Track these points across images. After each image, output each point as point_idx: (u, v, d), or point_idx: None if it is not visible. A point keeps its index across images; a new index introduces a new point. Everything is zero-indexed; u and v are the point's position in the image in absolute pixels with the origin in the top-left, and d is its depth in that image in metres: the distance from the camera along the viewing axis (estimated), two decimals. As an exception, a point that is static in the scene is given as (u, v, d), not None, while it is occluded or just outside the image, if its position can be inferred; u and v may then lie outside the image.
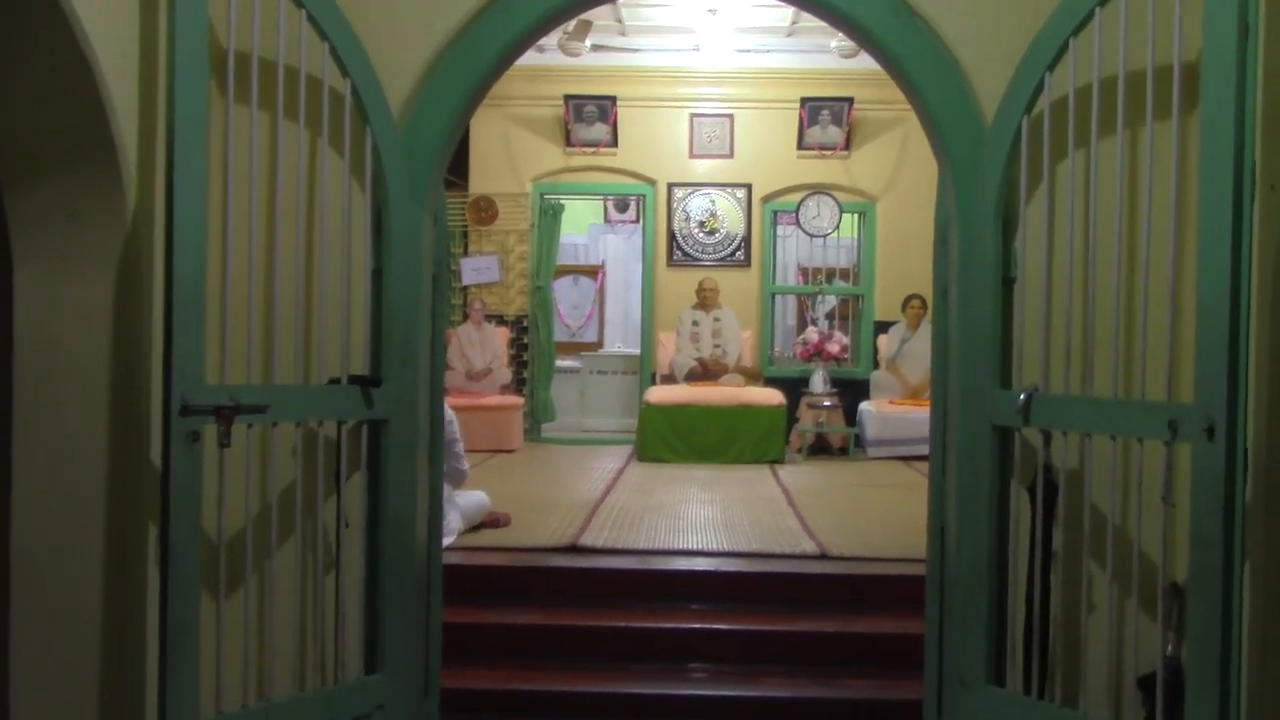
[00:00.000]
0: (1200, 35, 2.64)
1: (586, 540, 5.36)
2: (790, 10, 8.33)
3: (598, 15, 8.40)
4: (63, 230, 2.81)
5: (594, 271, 12.49)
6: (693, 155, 10.01)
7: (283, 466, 3.06)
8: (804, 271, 10.90)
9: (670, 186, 10.04)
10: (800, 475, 7.99)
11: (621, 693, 4.31)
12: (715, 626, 4.68)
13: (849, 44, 8.10)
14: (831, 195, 9.71)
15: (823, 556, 5.17)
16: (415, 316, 3.30)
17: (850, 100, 9.61)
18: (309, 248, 3.15)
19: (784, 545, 5.36)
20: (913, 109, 3.51)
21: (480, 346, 9.45)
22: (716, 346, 9.52)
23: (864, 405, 9.26)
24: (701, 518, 6.16)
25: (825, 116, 9.71)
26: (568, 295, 12.18)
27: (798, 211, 9.73)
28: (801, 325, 10.71)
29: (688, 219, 10.07)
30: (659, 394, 8.91)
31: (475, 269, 9.74)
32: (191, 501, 2.71)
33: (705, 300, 9.60)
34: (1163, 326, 2.81)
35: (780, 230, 10.40)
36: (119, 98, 2.75)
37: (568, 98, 9.66)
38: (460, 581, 4.52)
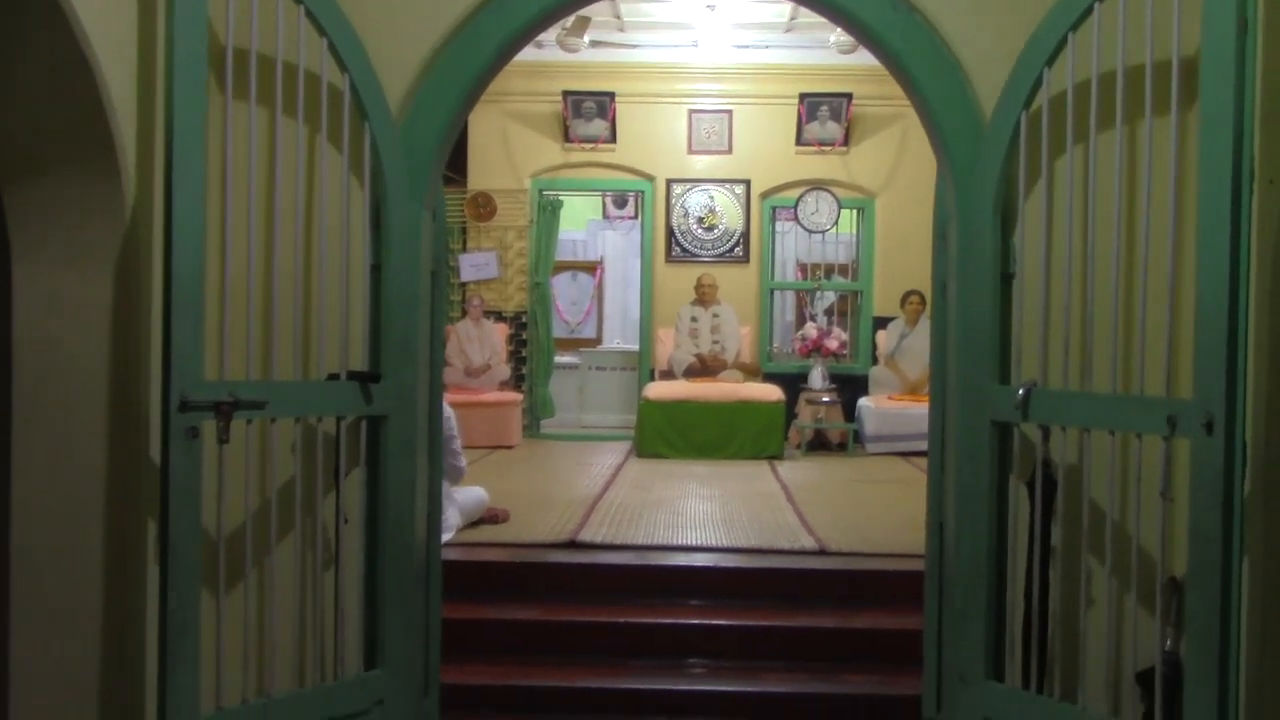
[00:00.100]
0: (1199, 30, 2.64)
1: (585, 536, 5.36)
2: (788, 6, 8.36)
3: (596, 11, 8.39)
4: (62, 228, 2.81)
5: (593, 267, 12.48)
6: (691, 151, 10.00)
7: (282, 462, 3.06)
8: (803, 267, 10.90)
9: (669, 182, 10.03)
10: (799, 471, 7.99)
11: (620, 688, 4.31)
12: (714, 622, 4.68)
13: (848, 39, 8.09)
14: (830, 191, 9.70)
15: (822, 552, 5.17)
16: (414, 312, 3.30)
17: (849, 96, 9.60)
18: (308, 244, 3.15)
19: (783, 541, 5.36)
20: (911, 105, 3.51)
21: (479, 343, 9.44)
22: (715, 342, 9.52)
23: (863, 401, 9.26)
24: (700, 513, 6.16)
25: (824, 112, 9.71)
26: (566, 291, 12.16)
27: (796, 207, 9.73)
28: (800, 321, 10.71)
29: (686, 215, 10.07)
30: (658, 390, 8.91)
31: (474, 265, 9.73)
32: (191, 498, 2.71)
33: (704, 296, 9.60)
34: (1161, 322, 2.82)
35: (779, 226, 10.39)
36: (118, 96, 2.75)
37: (566, 94, 9.66)
38: (459, 577, 4.52)
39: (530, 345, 9.95)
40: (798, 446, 9.02)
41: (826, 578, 4.94)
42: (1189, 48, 2.76)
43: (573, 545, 5.24)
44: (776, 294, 10.49)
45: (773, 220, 10.23)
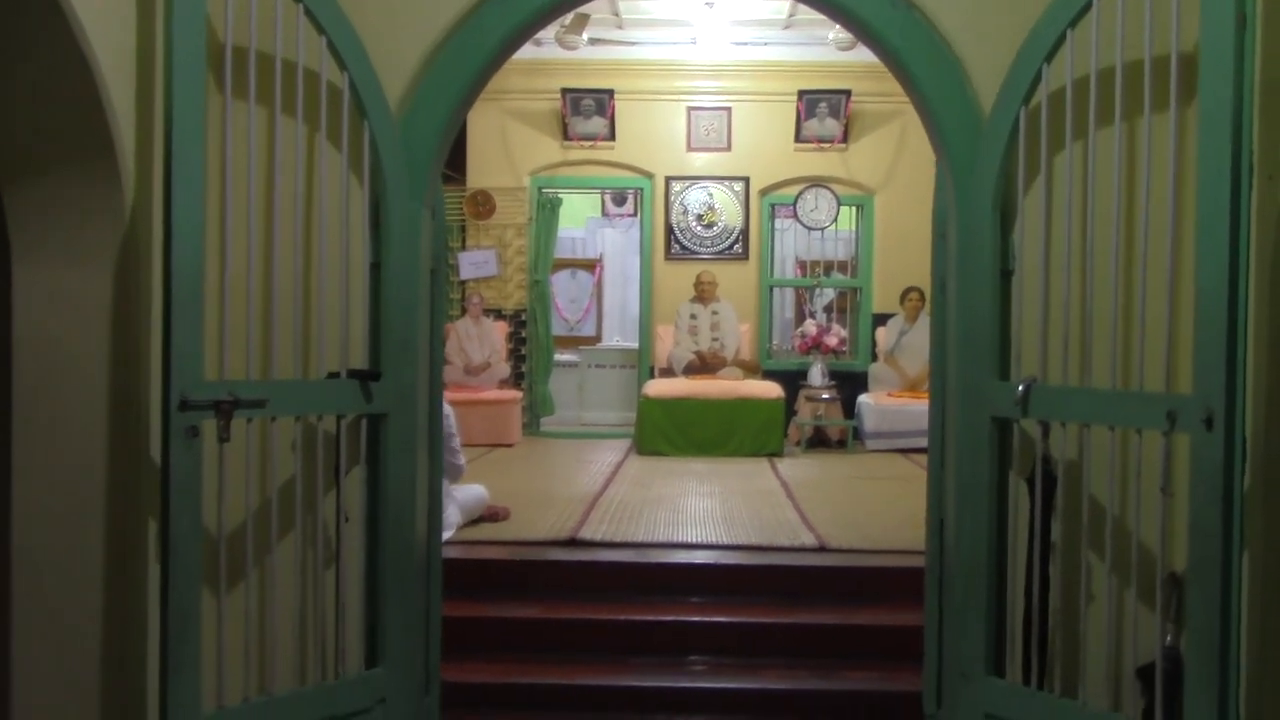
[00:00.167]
0: (1197, 26, 2.64)
1: (585, 534, 5.36)
2: (787, 3, 8.36)
3: (594, 9, 8.40)
4: (62, 227, 2.81)
5: (592, 265, 12.48)
6: (690, 148, 10.00)
7: (282, 461, 3.07)
8: (802, 264, 10.90)
9: (668, 180, 10.02)
10: (799, 468, 7.99)
11: (621, 685, 4.31)
12: (714, 619, 4.68)
13: (846, 36, 8.09)
14: (829, 188, 9.70)
15: (822, 549, 5.18)
16: (414, 310, 3.30)
17: (848, 93, 9.60)
18: (307, 242, 3.15)
19: (783, 538, 5.36)
20: (910, 101, 3.51)
21: (478, 341, 9.44)
22: (715, 340, 9.52)
23: (862, 398, 9.26)
24: (700, 511, 6.16)
25: (823, 109, 9.70)
26: (566, 289, 12.17)
27: (795, 204, 9.72)
28: (800, 318, 10.70)
29: (685, 212, 10.06)
30: (657, 387, 8.91)
31: (473, 263, 9.73)
32: (192, 496, 2.71)
33: (703, 293, 9.60)
34: (1161, 317, 2.82)
35: (778, 223, 10.39)
36: (117, 95, 2.75)
37: (565, 91, 9.65)
38: (459, 575, 4.52)
39: (530, 343, 9.95)
40: (797, 443, 9.03)
41: (827, 574, 4.95)
42: (1188, 43, 2.76)
43: (573, 543, 5.24)
44: (776, 291, 10.49)
45: (772, 217, 10.23)
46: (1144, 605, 2.99)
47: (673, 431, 8.64)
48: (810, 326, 9.45)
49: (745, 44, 9.49)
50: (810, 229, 9.86)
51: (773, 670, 4.41)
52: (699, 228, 10.07)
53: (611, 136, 9.81)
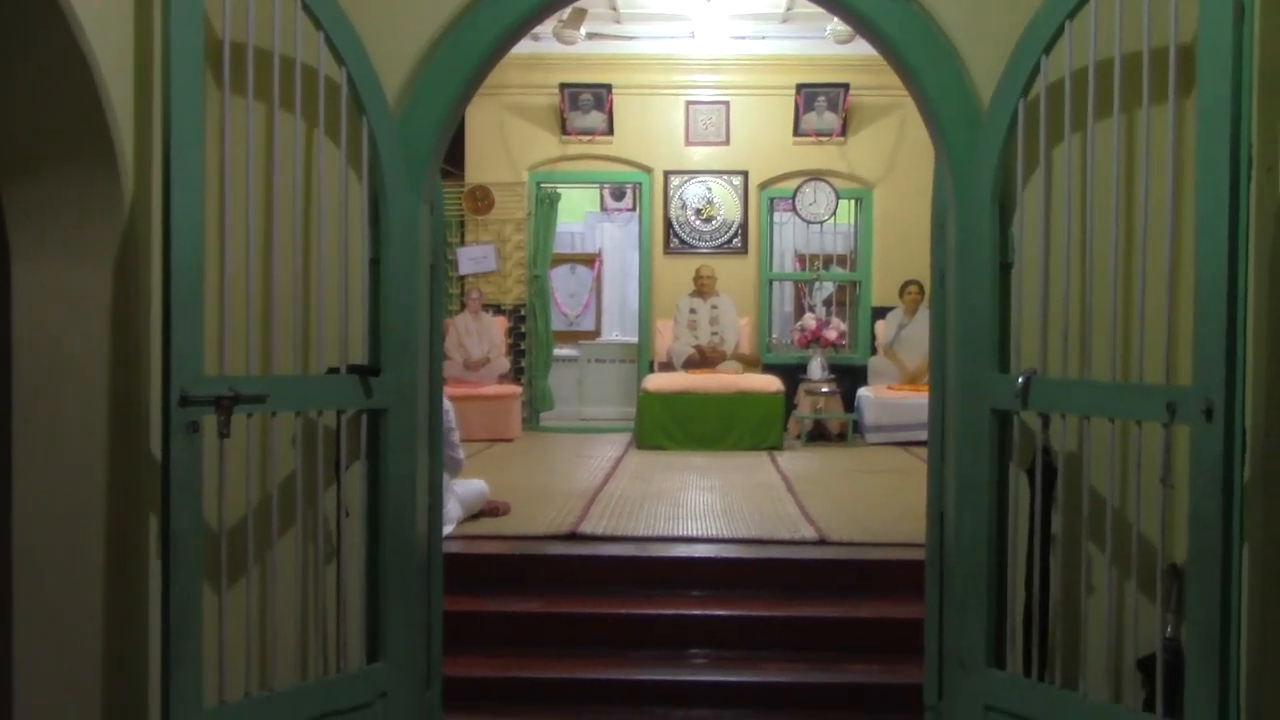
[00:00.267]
0: (1196, 17, 2.64)
1: (586, 528, 5.37)
2: (785, -4, 8.35)
3: (592, 3, 8.39)
4: (61, 225, 2.81)
5: (591, 260, 12.48)
6: (689, 143, 9.99)
7: (282, 456, 3.07)
8: (801, 258, 10.89)
9: (666, 174, 10.02)
10: (799, 462, 8.00)
11: (622, 679, 4.32)
12: (715, 613, 4.69)
13: (844, 29, 8.08)
14: (828, 182, 9.70)
15: (822, 542, 5.18)
16: (413, 306, 3.30)
17: (846, 86, 9.60)
18: (306, 238, 3.15)
19: (783, 531, 5.37)
20: (909, 94, 3.50)
21: (478, 336, 9.45)
22: (714, 334, 9.53)
23: (862, 391, 9.27)
24: (701, 505, 6.17)
25: (821, 103, 9.70)
26: (565, 284, 12.17)
27: (794, 198, 9.72)
28: (799, 312, 10.72)
29: (684, 206, 10.06)
30: (657, 382, 8.91)
31: (472, 258, 9.73)
32: (192, 492, 2.71)
33: (702, 288, 9.60)
34: (1160, 309, 2.82)
35: (777, 217, 10.39)
36: (115, 92, 2.74)
37: (563, 86, 9.64)
38: (460, 570, 4.53)
39: (529, 338, 9.96)
40: (797, 437, 9.03)
41: (827, 568, 4.95)
42: (1186, 35, 2.76)
43: (573, 537, 5.25)
44: (775, 285, 10.49)
45: (771, 211, 10.23)
46: (1144, 596, 3.00)
47: (672, 426, 8.64)
48: (809, 320, 9.45)
49: (743, 38, 9.48)
50: (809, 223, 9.86)
51: (773, 663, 4.42)
52: (698, 222, 10.06)
53: (610, 131, 9.80)
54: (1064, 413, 3.04)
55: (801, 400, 9.27)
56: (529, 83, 9.61)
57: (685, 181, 10.04)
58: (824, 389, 9.23)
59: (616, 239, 12.53)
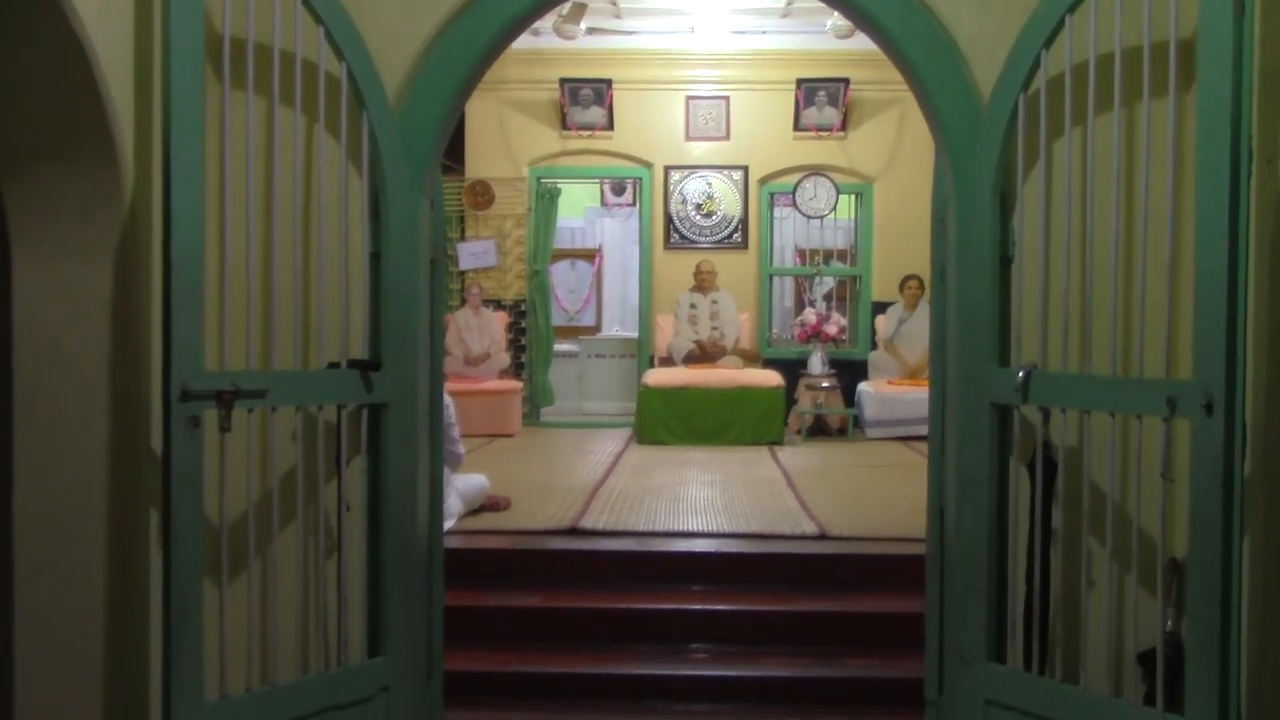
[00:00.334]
0: (1196, 12, 2.63)
1: (586, 523, 5.37)
2: (785, -9, 8.34)
3: (592, -2, 8.39)
4: (61, 221, 2.81)
5: (591, 255, 12.47)
6: (689, 138, 9.99)
7: (283, 451, 3.07)
8: (801, 253, 10.89)
9: (667, 169, 10.02)
10: (799, 456, 8.00)
11: (622, 674, 4.33)
12: (716, 607, 4.70)
13: (845, 24, 8.07)
14: (828, 176, 9.70)
15: (822, 537, 5.19)
16: (414, 301, 3.30)
17: (846, 81, 9.59)
18: (306, 233, 3.15)
19: (784, 526, 5.37)
20: (909, 89, 3.50)
21: (478, 331, 9.45)
22: (714, 329, 9.53)
23: (862, 386, 9.27)
24: (701, 499, 6.18)
25: (821, 97, 9.69)
26: (565, 279, 12.16)
27: (795, 193, 9.72)
28: (799, 307, 10.71)
29: (684, 202, 10.06)
30: (657, 377, 8.92)
31: (472, 254, 9.73)
32: (193, 487, 2.71)
33: (703, 283, 9.60)
34: (1161, 303, 2.82)
35: (777, 212, 10.39)
36: (115, 87, 2.74)
37: (563, 81, 9.64)
38: (461, 565, 4.53)
39: (529, 333, 9.96)
40: (798, 432, 9.04)
41: (827, 562, 4.96)
42: (1186, 29, 2.75)
43: (574, 532, 5.25)
44: (775, 280, 10.49)
45: (771, 206, 10.23)
46: (1145, 591, 3.00)
47: (673, 421, 8.65)
48: (810, 315, 9.45)
49: (743, 32, 9.47)
50: (809, 217, 9.86)
51: (774, 658, 4.42)
52: (698, 217, 10.06)
53: (610, 126, 9.80)
54: (1064, 407, 3.04)
55: (802, 395, 9.27)
56: (529, 78, 9.60)
57: (685, 176, 10.03)
58: (824, 384, 9.23)
59: (617, 234, 12.52)
